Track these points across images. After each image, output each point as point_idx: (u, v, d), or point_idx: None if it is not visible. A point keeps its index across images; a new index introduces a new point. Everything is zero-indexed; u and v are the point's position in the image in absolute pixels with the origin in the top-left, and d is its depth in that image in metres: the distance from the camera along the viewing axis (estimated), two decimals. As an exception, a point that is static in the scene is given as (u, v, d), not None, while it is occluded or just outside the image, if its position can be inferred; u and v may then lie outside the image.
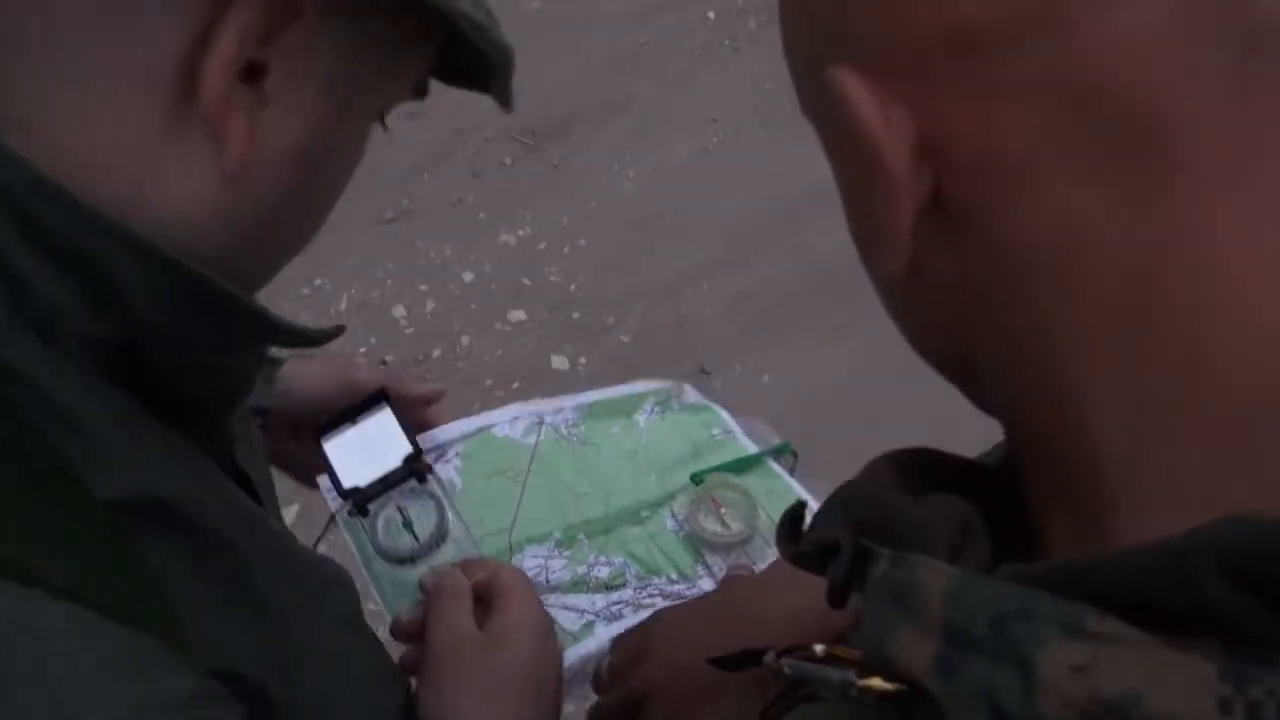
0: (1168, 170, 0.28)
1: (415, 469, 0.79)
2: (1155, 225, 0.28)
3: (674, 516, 0.82)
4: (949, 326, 0.34)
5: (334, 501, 0.81)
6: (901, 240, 0.32)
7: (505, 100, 0.48)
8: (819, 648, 0.32)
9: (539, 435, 0.86)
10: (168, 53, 0.36)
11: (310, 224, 0.48)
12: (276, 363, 0.80)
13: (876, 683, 0.29)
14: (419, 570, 0.75)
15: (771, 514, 0.80)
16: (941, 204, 0.31)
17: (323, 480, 0.82)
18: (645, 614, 0.74)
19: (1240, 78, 0.28)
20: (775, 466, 0.85)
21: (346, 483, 0.78)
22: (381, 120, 0.47)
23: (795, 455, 0.87)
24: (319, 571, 0.53)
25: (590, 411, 0.88)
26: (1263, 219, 0.28)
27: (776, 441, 0.88)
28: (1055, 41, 0.28)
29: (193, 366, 0.44)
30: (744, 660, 0.42)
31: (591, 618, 0.76)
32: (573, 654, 0.74)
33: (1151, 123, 0.28)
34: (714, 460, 0.85)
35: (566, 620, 0.76)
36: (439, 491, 0.79)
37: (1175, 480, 0.28)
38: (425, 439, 0.84)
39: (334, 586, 0.54)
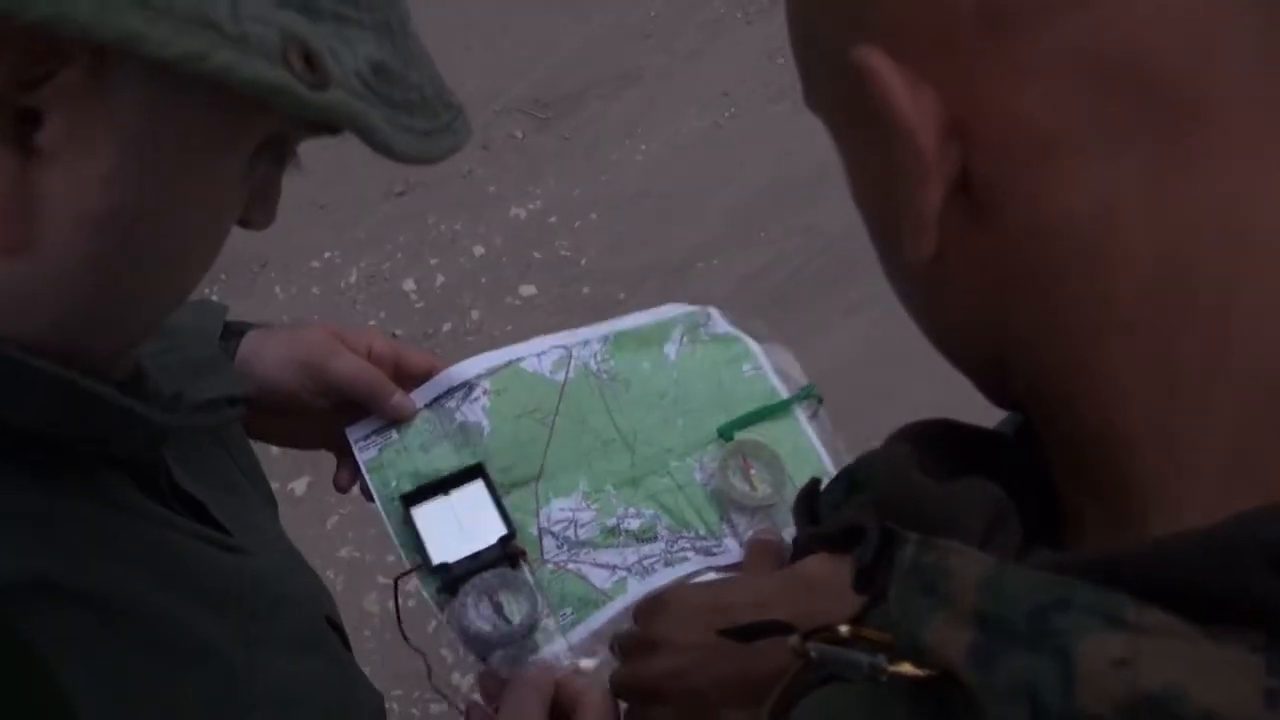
0: (1200, 141, 0.28)
1: (509, 552, 0.75)
2: (1187, 198, 0.28)
3: (701, 469, 0.80)
4: (974, 317, 0.34)
5: (363, 452, 0.79)
6: (930, 225, 0.31)
7: (385, 153, 0.39)
8: (844, 628, 0.32)
9: (568, 372, 0.83)
10: None
11: (170, 285, 0.42)
12: (239, 333, 0.72)
13: (907, 669, 0.29)
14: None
15: (795, 477, 0.79)
16: (968, 186, 0.31)
17: (352, 431, 0.79)
18: (677, 569, 0.74)
19: (1267, 49, 0.28)
20: (800, 417, 0.84)
21: (435, 558, 0.74)
22: (280, 157, 0.42)
23: (820, 400, 0.85)
24: (269, 591, 0.50)
25: (618, 343, 0.86)
26: None
27: (803, 380, 0.86)
28: (1086, 13, 0.28)
29: (75, 439, 0.40)
30: (756, 632, 0.41)
31: (624, 573, 0.75)
32: (603, 615, 0.73)
33: (1184, 93, 0.28)
34: (741, 401, 0.83)
35: (598, 578, 0.75)
36: (531, 579, 0.74)
37: (1209, 459, 0.28)
38: (452, 374, 0.81)
39: (286, 607, 0.51)
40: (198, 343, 0.62)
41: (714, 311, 0.89)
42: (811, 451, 0.82)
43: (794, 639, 0.34)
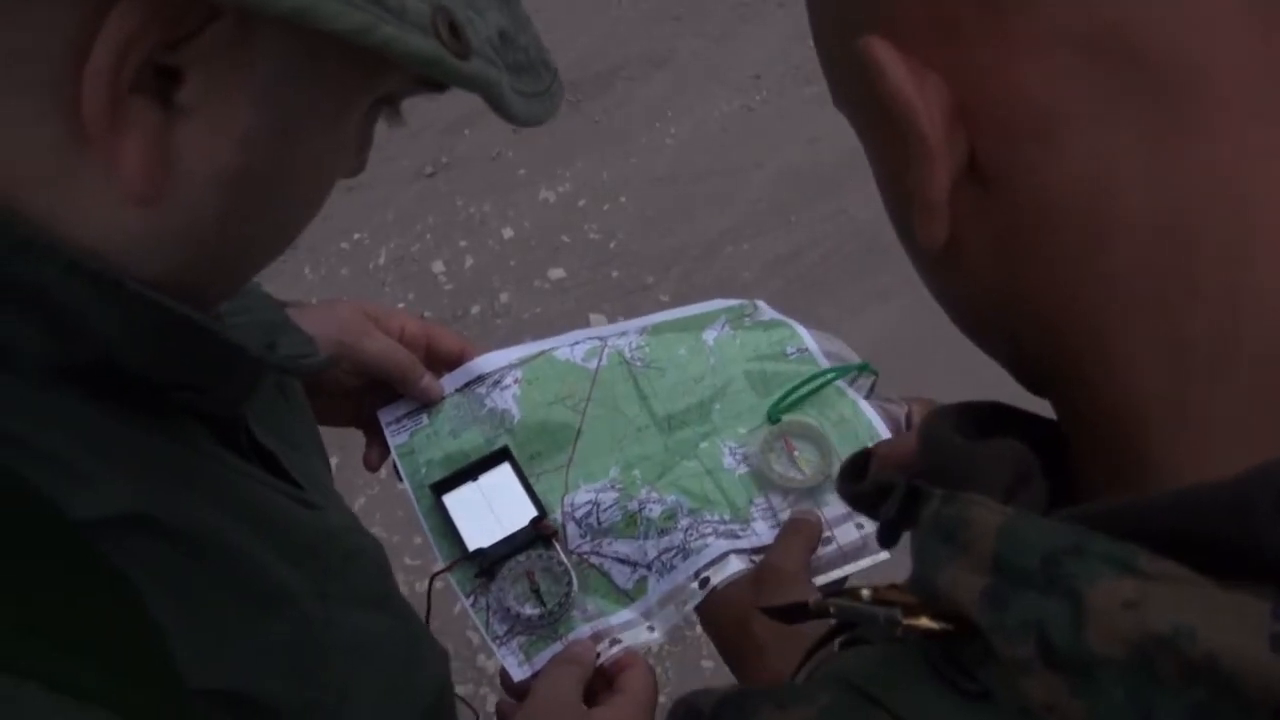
0: (1197, 112, 0.28)
1: (541, 533, 0.76)
2: (1187, 169, 0.28)
3: (732, 455, 0.79)
4: (990, 298, 0.34)
5: (395, 436, 0.79)
6: (940, 210, 0.32)
7: (506, 117, 0.40)
8: (866, 592, 0.32)
9: (600, 360, 0.83)
10: (52, 63, 0.31)
11: (281, 236, 0.43)
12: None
13: (924, 622, 0.29)
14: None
15: (845, 451, 0.77)
16: (976, 169, 0.32)
17: (384, 413, 0.80)
18: (695, 559, 0.74)
19: (1260, 15, 0.28)
20: (849, 391, 0.82)
21: (471, 543, 0.75)
22: (388, 108, 0.43)
23: (876, 374, 0.84)
24: (342, 545, 0.52)
25: (655, 331, 0.85)
26: None
27: (856, 360, 0.84)
28: None
29: (174, 384, 0.41)
30: (795, 612, 0.42)
31: (644, 572, 0.75)
32: (624, 614, 0.74)
33: (1179, 63, 0.28)
34: (783, 383, 0.82)
35: (620, 577, 0.75)
36: (565, 558, 0.75)
37: (1220, 431, 0.28)
38: (482, 363, 0.81)
39: (357, 562, 0.52)
40: (268, 307, 0.63)
41: (761, 303, 0.89)
42: (862, 419, 0.80)
43: (815, 598, 0.34)
